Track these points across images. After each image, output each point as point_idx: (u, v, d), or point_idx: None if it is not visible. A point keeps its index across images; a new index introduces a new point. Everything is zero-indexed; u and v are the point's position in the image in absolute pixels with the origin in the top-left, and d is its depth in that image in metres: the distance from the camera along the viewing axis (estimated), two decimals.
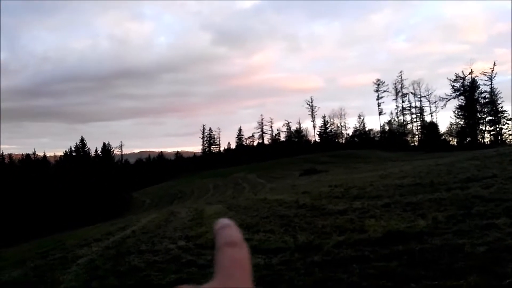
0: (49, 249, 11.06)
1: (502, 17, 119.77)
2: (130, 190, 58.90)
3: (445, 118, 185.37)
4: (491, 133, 67.64)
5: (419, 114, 78.00)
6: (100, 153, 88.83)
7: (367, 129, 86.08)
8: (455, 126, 70.64)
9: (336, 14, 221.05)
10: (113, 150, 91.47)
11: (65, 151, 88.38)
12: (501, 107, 66.20)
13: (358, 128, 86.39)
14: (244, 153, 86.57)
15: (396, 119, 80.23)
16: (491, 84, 66.68)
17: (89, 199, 44.68)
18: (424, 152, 54.71)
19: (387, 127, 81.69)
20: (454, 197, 9.05)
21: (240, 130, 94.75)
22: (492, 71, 66.30)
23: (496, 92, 66.42)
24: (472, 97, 67.28)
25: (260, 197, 18.78)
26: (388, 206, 9.34)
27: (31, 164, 78.78)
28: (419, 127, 78.09)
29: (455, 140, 70.31)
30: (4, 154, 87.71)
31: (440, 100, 73.56)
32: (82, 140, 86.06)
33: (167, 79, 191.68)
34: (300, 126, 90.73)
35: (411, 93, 78.00)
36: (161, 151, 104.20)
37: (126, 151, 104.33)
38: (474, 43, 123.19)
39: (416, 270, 4.68)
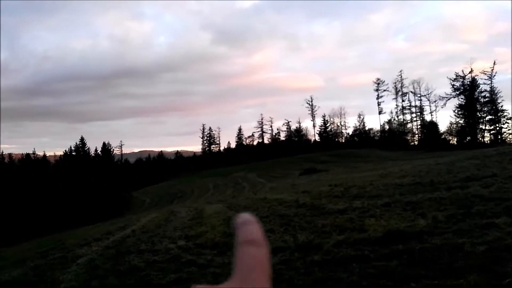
0: (49, 248, 11.06)
1: (502, 16, 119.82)
2: (130, 190, 58.91)
3: (445, 117, 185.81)
4: (491, 132, 67.68)
5: (419, 113, 78.08)
6: (100, 152, 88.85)
7: (367, 128, 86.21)
8: (455, 125, 70.73)
9: (336, 13, 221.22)
10: (113, 150, 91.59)
11: (65, 150, 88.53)
12: (501, 106, 66.31)
13: (358, 127, 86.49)
14: (244, 153, 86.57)
15: (396, 118, 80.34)
16: (491, 83, 66.78)
17: (89, 198, 44.68)
18: (424, 151, 54.73)
19: (387, 126, 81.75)
20: (454, 196, 9.05)
21: (240, 129, 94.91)
22: (492, 70, 66.37)
23: (496, 91, 66.51)
24: (472, 96, 67.27)
25: (260, 196, 18.77)
26: (388, 206, 9.34)
27: (31, 163, 78.80)
28: (419, 126, 78.11)
29: (455, 139, 70.32)
30: (4, 153, 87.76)
31: (440, 99, 73.67)
32: (82, 139, 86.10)
33: (167, 78, 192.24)
34: (300, 125, 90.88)
35: (411, 92, 78.10)
36: (161, 151, 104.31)
37: (126, 150, 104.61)
38: (474, 42, 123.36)
39: (416, 269, 4.68)
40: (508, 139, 65.01)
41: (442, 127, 79.19)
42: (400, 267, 4.83)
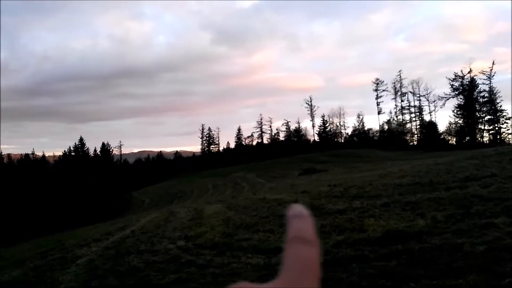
0: (48, 249, 11.06)
1: (501, 16, 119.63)
2: (129, 190, 58.86)
3: (444, 117, 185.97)
4: (490, 132, 67.78)
5: (418, 113, 78.13)
6: (99, 152, 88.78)
7: (366, 128, 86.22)
8: (454, 125, 70.80)
9: (336, 13, 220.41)
10: (112, 150, 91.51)
11: (64, 151, 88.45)
12: (500, 106, 66.41)
13: (357, 127, 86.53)
14: (243, 153, 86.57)
15: (395, 119, 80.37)
16: (490, 83, 66.85)
17: (88, 199, 44.65)
18: (423, 151, 54.78)
19: (386, 127, 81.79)
20: (453, 196, 9.07)
21: (239, 129, 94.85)
22: (491, 70, 66.45)
23: (495, 91, 66.59)
24: (471, 96, 67.35)
25: (260, 196, 18.78)
26: (387, 206, 9.35)
27: (30, 164, 78.70)
28: (418, 126, 78.19)
29: (454, 139, 70.40)
30: (3, 154, 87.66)
31: (439, 99, 73.70)
32: (81, 139, 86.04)
33: (167, 78, 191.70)
34: (299, 125, 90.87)
35: (410, 92, 78.13)
36: (160, 151, 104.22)
37: (125, 150, 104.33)
38: (473, 42, 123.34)
39: (415, 269, 4.69)
40: (507, 139, 65.15)
41: (441, 127, 79.14)
42: (399, 267, 4.84)
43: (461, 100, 68.45)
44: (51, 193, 44.23)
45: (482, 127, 68.28)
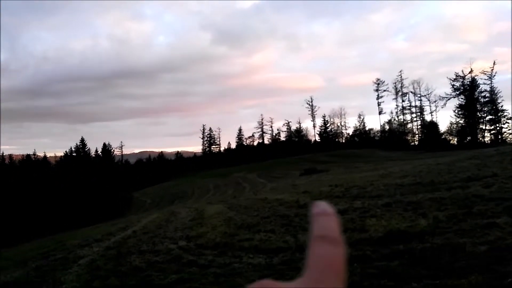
0: (50, 249, 11.07)
1: (502, 16, 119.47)
2: (130, 190, 58.93)
3: (445, 117, 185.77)
4: (491, 132, 67.67)
5: (419, 114, 78.06)
6: (100, 153, 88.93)
7: (367, 128, 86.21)
8: (455, 125, 70.71)
9: (336, 13, 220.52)
10: (113, 150, 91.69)
11: (66, 151, 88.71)
12: (501, 106, 66.29)
13: (358, 127, 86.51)
14: (245, 153, 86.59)
15: (396, 119, 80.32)
16: (491, 83, 66.75)
17: (89, 199, 44.70)
18: (424, 151, 54.72)
19: (387, 127, 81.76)
20: (455, 196, 9.06)
21: (240, 130, 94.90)
22: (492, 70, 66.33)
23: (496, 91, 66.48)
24: (472, 96, 67.27)
25: (261, 196, 18.78)
26: (389, 206, 9.35)
27: (32, 164, 78.87)
28: (419, 127, 78.10)
29: (455, 139, 70.31)
30: (4, 154, 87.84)
31: (440, 99, 73.64)
32: (82, 140, 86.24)
33: (167, 79, 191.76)
34: (300, 125, 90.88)
35: (411, 92, 78.08)
36: (161, 151, 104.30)
37: (126, 151, 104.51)
38: (474, 42, 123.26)
39: (417, 269, 4.69)
40: (509, 139, 65.01)
41: (442, 127, 79.31)
42: (401, 267, 4.84)
43: (462, 100, 68.39)
44: (53, 194, 44.29)
45: (483, 127, 68.22)
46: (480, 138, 66.97)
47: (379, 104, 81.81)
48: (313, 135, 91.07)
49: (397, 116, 79.88)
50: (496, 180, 10.34)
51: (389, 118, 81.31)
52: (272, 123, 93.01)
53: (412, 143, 76.72)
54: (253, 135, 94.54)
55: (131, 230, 12.73)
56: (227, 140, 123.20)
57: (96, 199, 45.12)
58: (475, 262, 4.59)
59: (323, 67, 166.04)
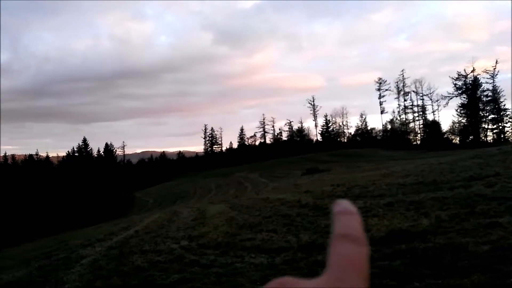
0: (53, 249, 11.10)
1: (504, 15, 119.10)
2: (132, 190, 59.03)
3: (447, 117, 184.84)
4: (494, 131, 67.41)
5: (421, 113, 77.81)
6: (102, 153, 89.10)
7: (369, 128, 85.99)
8: (457, 124, 70.47)
9: (337, 13, 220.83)
10: (115, 150, 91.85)
11: (68, 151, 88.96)
12: (504, 105, 66.04)
13: (360, 127, 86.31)
14: (246, 153, 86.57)
15: (398, 118, 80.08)
16: (494, 82, 66.46)
17: (92, 199, 44.82)
18: (427, 150, 54.57)
19: (389, 126, 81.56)
20: (457, 195, 9.04)
21: (242, 129, 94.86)
22: (494, 69, 66.06)
23: (498, 90, 66.21)
24: (475, 95, 67.03)
25: (263, 196, 18.78)
26: (391, 205, 9.33)
27: (34, 164, 79.08)
28: (421, 126, 77.91)
29: (458, 138, 70.08)
30: (7, 155, 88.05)
31: (442, 98, 73.37)
32: (84, 140, 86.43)
33: (168, 79, 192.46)
34: (302, 125, 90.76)
35: (413, 91, 77.85)
36: (163, 151, 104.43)
37: (128, 151, 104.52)
38: (476, 41, 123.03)
39: (420, 269, 4.68)
40: (511, 138, 64.77)
41: (445, 126, 78.73)
42: (403, 267, 4.83)
43: (464, 99, 68.17)
44: (55, 194, 44.43)
45: (486, 126, 67.97)
46: (483, 137, 66.74)
47: (381, 103, 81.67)
48: (315, 134, 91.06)
49: (399, 116, 79.76)
50: (498, 179, 10.31)
51: (391, 117, 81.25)
52: (274, 123, 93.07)
53: (414, 143, 76.51)
54: (255, 135, 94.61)
55: (133, 230, 12.75)
56: (228, 140, 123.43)
57: (98, 199, 45.22)
58: (478, 262, 4.58)
59: (324, 67, 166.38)
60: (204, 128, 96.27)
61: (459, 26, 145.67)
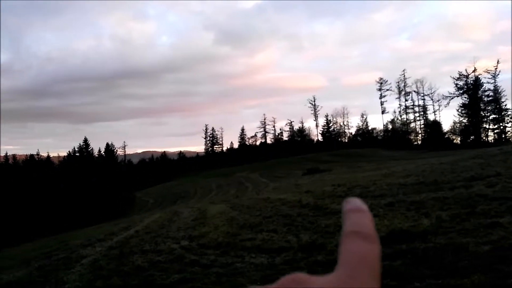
0: (53, 249, 11.10)
1: (505, 15, 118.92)
2: (133, 190, 59.05)
3: (448, 117, 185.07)
4: (495, 131, 67.34)
5: (422, 113, 77.82)
6: (103, 153, 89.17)
7: (370, 128, 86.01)
8: (458, 124, 70.44)
9: (338, 13, 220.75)
10: (116, 150, 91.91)
11: (69, 151, 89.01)
12: (505, 105, 65.96)
13: (361, 127, 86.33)
14: (247, 153, 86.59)
15: (399, 118, 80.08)
16: (495, 82, 66.43)
17: (92, 199, 44.83)
18: (428, 150, 54.54)
19: (390, 126, 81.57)
20: (458, 196, 9.02)
21: (242, 129, 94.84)
22: (496, 69, 66.01)
23: (499, 90, 66.16)
24: (476, 95, 66.96)
25: (263, 196, 18.77)
26: (391, 205, 9.32)
27: (35, 164, 79.16)
28: (422, 126, 77.89)
29: (459, 138, 70.04)
30: (8, 154, 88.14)
31: (443, 98, 73.32)
32: (85, 140, 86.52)
33: (170, 79, 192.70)
34: (302, 125, 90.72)
35: (414, 91, 77.85)
36: (164, 151, 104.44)
37: (129, 151, 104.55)
38: (477, 41, 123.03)
39: (420, 269, 4.67)
40: None
41: (446, 126, 78.79)
42: (403, 267, 4.82)
43: (466, 99, 68.11)
44: (55, 194, 44.45)
45: (487, 126, 67.91)
46: (484, 137, 66.68)
47: (382, 103, 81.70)
48: (316, 134, 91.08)
49: (400, 116, 79.75)
50: (499, 179, 10.29)
51: (392, 117, 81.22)
52: (274, 123, 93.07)
53: (415, 143, 76.50)
54: (255, 135, 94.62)
55: (133, 230, 12.76)
56: (229, 140, 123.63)
57: (98, 199, 45.24)
58: (478, 262, 4.57)
59: (325, 67, 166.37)
60: (205, 128, 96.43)
61: (461, 26, 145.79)
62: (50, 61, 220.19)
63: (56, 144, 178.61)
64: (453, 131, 71.80)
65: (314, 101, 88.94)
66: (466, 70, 68.05)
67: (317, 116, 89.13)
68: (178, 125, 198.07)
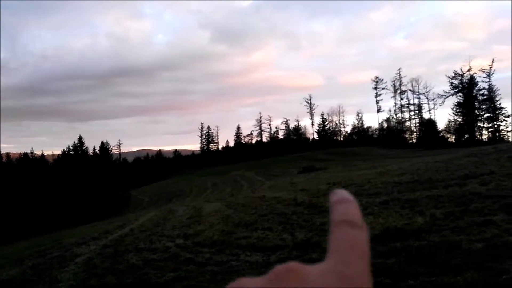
0: (47, 247, 11.05)
1: (501, 14, 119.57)
2: (128, 188, 58.86)
3: (443, 115, 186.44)
4: (489, 130, 67.79)
5: (417, 111, 78.11)
6: (98, 151, 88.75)
7: (365, 126, 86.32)
8: (453, 123, 70.79)
9: (336, 11, 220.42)
10: (111, 149, 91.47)
11: (63, 149, 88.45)
12: (499, 104, 66.39)
13: (356, 125, 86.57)
14: (243, 151, 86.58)
15: (395, 116, 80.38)
16: (490, 81, 66.82)
17: (87, 197, 44.65)
18: (422, 149, 54.80)
19: (385, 125, 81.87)
20: (452, 194, 9.07)
21: (238, 128, 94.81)
22: (491, 68, 66.39)
23: (494, 89, 66.55)
24: (471, 94, 67.34)
25: (259, 194, 18.78)
26: (386, 203, 9.36)
27: (29, 163, 78.61)
28: (417, 124, 78.24)
29: (453, 137, 70.44)
30: (2, 153, 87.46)
31: (438, 97, 73.71)
32: (80, 138, 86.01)
33: (166, 77, 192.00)
34: (298, 124, 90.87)
35: (410, 90, 78.13)
36: (160, 149, 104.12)
37: (124, 149, 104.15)
38: (473, 40, 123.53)
39: (414, 266, 4.69)
40: (506, 137, 65.19)
41: (441, 125, 79.27)
42: (397, 265, 4.84)
43: (461, 98, 68.45)
44: (49, 192, 44.21)
45: (481, 125, 68.33)
46: (478, 136, 67.09)
47: (377, 102, 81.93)
48: (312, 133, 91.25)
49: (396, 114, 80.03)
50: (493, 177, 10.36)
51: (388, 116, 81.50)
52: (270, 121, 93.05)
53: (410, 141, 76.83)
54: (251, 133, 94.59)
55: (128, 228, 12.72)
56: (225, 139, 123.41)
57: (93, 198, 45.07)
58: (471, 260, 4.60)
59: (322, 66, 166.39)
60: (200, 126, 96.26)
61: (457, 25, 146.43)
62: (46, 59, 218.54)
63: (50, 142, 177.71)
64: (448, 129, 72.23)
65: (310, 99, 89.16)
66: (461, 69, 68.46)
67: (313, 115, 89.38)
68: (174, 123, 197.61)
